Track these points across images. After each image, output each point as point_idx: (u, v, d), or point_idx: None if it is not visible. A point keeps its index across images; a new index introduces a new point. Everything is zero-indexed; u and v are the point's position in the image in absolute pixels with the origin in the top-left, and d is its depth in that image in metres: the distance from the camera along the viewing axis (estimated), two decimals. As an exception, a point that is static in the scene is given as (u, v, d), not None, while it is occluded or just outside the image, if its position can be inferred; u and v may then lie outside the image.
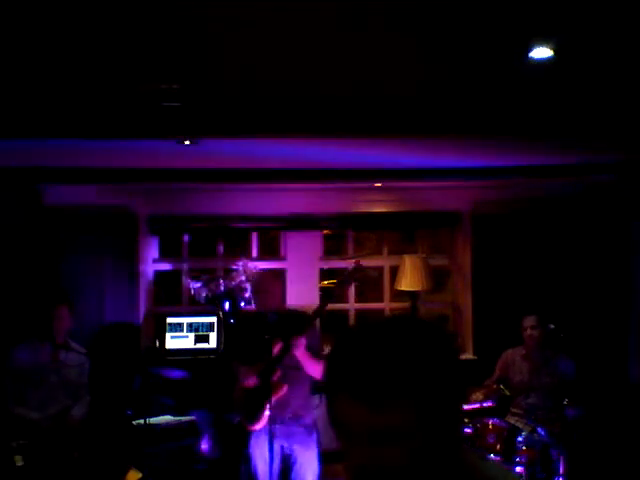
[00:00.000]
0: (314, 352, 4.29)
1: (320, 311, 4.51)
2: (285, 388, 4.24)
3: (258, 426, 4.25)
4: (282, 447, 4.32)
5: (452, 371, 1.22)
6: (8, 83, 3.38)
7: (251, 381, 4.26)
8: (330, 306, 4.68)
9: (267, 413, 4.16)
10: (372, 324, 1.27)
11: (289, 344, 4.18)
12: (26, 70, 3.20)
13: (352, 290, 6.71)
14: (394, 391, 1.15)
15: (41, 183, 5.95)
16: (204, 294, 6.28)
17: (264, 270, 6.16)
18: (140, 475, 4.55)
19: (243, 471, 4.65)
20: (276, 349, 4.23)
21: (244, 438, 4.44)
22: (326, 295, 4.42)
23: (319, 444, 4.46)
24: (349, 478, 1.21)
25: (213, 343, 6.20)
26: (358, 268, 4.41)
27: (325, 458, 4.44)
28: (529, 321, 5.31)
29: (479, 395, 5.17)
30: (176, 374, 5.26)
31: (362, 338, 1.23)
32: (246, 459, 4.46)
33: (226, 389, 4.54)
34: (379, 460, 1.17)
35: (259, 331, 4.37)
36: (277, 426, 4.20)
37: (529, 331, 5.31)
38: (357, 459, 1.20)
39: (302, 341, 4.19)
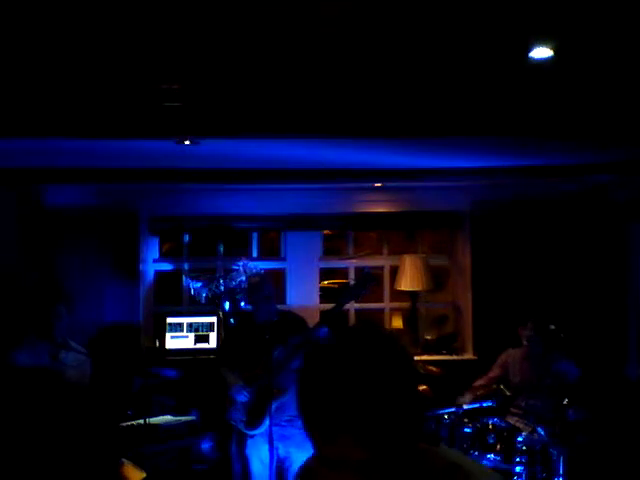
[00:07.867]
0: None
1: (322, 325, 4.48)
2: (288, 393, 4.21)
3: (259, 430, 4.21)
4: (277, 449, 4.28)
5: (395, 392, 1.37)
6: (9, 82, 3.38)
7: (249, 392, 4.22)
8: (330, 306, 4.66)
9: (268, 418, 4.12)
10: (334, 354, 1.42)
11: (295, 352, 4.14)
12: (26, 70, 3.21)
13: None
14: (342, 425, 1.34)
15: (41, 183, 5.95)
16: (204, 294, 6.28)
17: (258, 272, 6.10)
18: (144, 475, 4.53)
19: (239, 472, 4.63)
20: (276, 353, 4.17)
21: (241, 439, 4.42)
22: (334, 309, 4.38)
23: None
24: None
25: (213, 343, 6.20)
26: (366, 280, 4.34)
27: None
28: (526, 330, 5.37)
29: (477, 395, 5.18)
30: (176, 374, 5.25)
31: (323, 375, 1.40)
32: (243, 460, 4.43)
33: (221, 391, 4.51)
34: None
35: (257, 334, 4.32)
36: (273, 428, 4.17)
37: (526, 342, 5.38)
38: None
39: None
